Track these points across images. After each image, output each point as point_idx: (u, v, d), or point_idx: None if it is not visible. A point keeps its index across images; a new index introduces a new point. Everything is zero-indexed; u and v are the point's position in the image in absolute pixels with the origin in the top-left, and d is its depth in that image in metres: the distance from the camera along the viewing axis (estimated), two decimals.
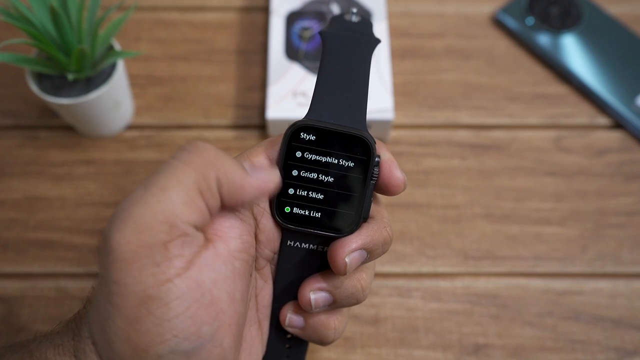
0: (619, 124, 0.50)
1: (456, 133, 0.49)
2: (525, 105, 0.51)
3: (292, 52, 0.49)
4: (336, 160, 0.27)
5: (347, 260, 0.26)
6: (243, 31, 0.54)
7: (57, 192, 0.46)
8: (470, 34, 0.54)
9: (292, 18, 0.50)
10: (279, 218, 0.27)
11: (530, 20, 0.54)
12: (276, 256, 0.29)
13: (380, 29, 0.50)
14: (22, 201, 0.45)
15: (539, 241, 0.44)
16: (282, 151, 0.27)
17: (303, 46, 0.49)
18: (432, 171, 0.47)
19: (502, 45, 0.54)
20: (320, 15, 0.51)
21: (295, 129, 0.27)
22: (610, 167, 0.48)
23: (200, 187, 0.24)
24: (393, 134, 0.49)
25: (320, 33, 0.30)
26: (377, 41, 0.30)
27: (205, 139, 0.48)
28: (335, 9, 0.51)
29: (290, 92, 0.46)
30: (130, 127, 0.49)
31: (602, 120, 0.50)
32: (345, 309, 0.30)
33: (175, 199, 0.23)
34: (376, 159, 0.27)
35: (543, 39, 0.53)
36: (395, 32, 0.54)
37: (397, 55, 0.53)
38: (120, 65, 0.44)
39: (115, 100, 0.45)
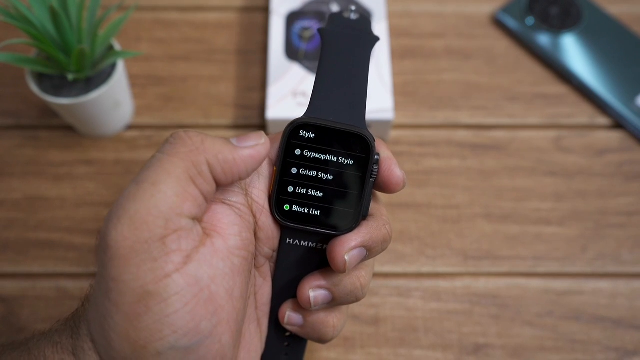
0: (619, 124, 0.50)
1: (456, 133, 0.49)
2: (525, 105, 0.51)
3: (292, 52, 0.49)
4: (335, 158, 0.27)
5: (346, 258, 0.26)
6: (243, 31, 0.54)
7: (57, 192, 0.46)
8: (470, 34, 0.54)
9: (292, 18, 0.50)
10: (278, 216, 0.27)
11: (530, 20, 0.54)
12: (275, 254, 0.29)
13: (380, 29, 0.50)
14: (22, 201, 0.45)
15: (539, 241, 0.44)
16: (281, 149, 0.27)
17: (303, 46, 0.49)
18: (432, 171, 0.47)
19: (502, 45, 0.54)
20: (320, 15, 0.51)
21: (294, 127, 0.27)
22: (610, 167, 0.48)
23: (192, 174, 0.24)
24: (393, 134, 0.49)
25: (319, 30, 0.30)
26: (376, 39, 0.30)
27: None
28: (335, 9, 0.51)
29: (290, 92, 0.46)
30: (130, 127, 0.49)
31: (602, 120, 0.50)
32: (344, 307, 0.30)
33: (167, 192, 0.23)
34: (375, 157, 0.27)
35: (543, 39, 0.53)
36: (395, 32, 0.54)
37: (397, 55, 0.53)
38: (120, 65, 0.44)
39: (115, 100, 0.45)
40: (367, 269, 0.29)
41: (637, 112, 0.49)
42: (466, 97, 0.51)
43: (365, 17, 0.31)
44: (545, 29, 0.53)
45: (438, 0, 0.56)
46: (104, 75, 0.44)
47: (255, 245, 0.28)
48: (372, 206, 0.29)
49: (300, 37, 0.50)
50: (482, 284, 0.43)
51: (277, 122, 0.46)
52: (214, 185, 0.25)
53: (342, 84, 0.28)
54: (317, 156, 0.27)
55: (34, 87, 0.43)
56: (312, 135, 0.27)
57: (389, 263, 0.43)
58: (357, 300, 0.28)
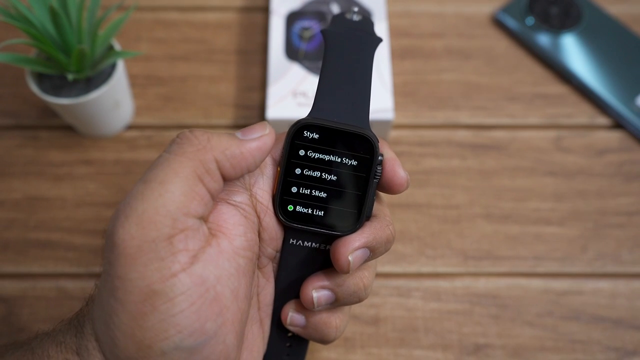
0: (619, 124, 0.50)
1: (456, 133, 0.49)
2: (525, 105, 0.51)
3: (292, 52, 0.49)
4: (339, 159, 0.27)
5: (350, 258, 0.26)
6: (243, 31, 0.54)
7: (57, 192, 0.46)
8: (470, 34, 0.54)
9: (292, 18, 0.50)
10: (282, 216, 0.27)
11: (530, 20, 0.54)
12: (278, 255, 0.29)
13: (380, 29, 0.50)
14: (22, 201, 0.45)
15: (539, 241, 0.44)
16: (285, 149, 0.27)
17: (303, 46, 0.49)
18: (432, 171, 0.47)
19: (502, 45, 0.54)
20: (320, 15, 0.51)
21: (298, 128, 0.27)
22: (610, 167, 0.48)
23: (199, 173, 0.24)
24: (393, 134, 0.49)
25: (322, 32, 0.30)
26: (379, 40, 0.30)
27: None
28: (335, 9, 0.51)
29: (290, 92, 0.46)
30: (130, 127, 0.49)
31: (602, 120, 0.50)
32: (346, 308, 0.30)
33: (175, 191, 0.23)
34: (379, 158, 0.27)
35: (543, 39, 0.53)
36: (395, 32, 0.54)
37: (397, 55, 0.53)
38: (120, 65, 0.44)
39: (115, 100, 0.45)
40: (370, 269, 0.29)
41: (637, 112, 0.49)
42: (466, 97, 0.51)
43: (367, 18, 0.31)
44: (545, 29, 0.53)
45: (438, 0, 0.56)
46: (104, 75, 0.44)
47: (259, 246, 0.28)
48: (376, 207, 0.29)
49: (300, 37, 0.50)
50: (482, 284, 0.43)
51: (277, 122, 0.46)
52: (221, 183, 0.25)
53: (345, 85, 0.28)
54: (320, 157, 0.27)
55: (34, 87, 0.43)
56: (316, 136, 0.27)
57: (389, 263, 0.44)
58: (360, 300, 0.28)
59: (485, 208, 0.46)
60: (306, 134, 0.27)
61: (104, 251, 0.24)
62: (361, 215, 0.27)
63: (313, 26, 0.50)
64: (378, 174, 0.27)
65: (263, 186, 0.27)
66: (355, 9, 0.31)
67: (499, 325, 0.41)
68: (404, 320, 0.41)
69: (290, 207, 0.27)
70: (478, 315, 0.42)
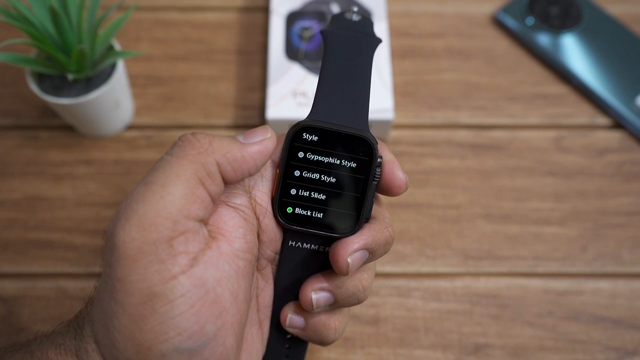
0: (619, 124, 0.50)
1: (456, 133, 0.49)
2: (525, 105, 0.51)
3: (292, 52, 0.49)
4: (338, 161, 0.27)
5: (349, 260, 0.26)
6: (243, 31, 0.54)
7: (57, 192, 0.46)
8: (470, 34, 0.54)
9: (292, 18, 0.50)
10: (281, 218, 0.27)
11: (530, 20, 0.54)
12: (277, 256, 0.29)
13: (380, 29, 0.50)
14: (22, 201, 0.45)
15: (539, 241, 0.44)
16: (284, 151, 0.27)
17: (303, 46, 0.49)
18: (432, 171, 0.47)
19: (502, 45, 0.54)
20: (320, 15, 0.51)
21: (297, 130, 0.27)
22: (610, 167, 0.48)
23: (201, 176, 0.24)
24: (393, 134, 0.49)
25: (322, 32, 0.30)
26: (379, 41, 0.30)
27: None
28: (335, 9, 0.51)
29: (290, 92, 0.46)
30: (130, 127, 0.49)
31: (602, 120, 0.50)
32: (345, 309, 0.30)
33: (176, 194, 0.23)
34: (378, 160, 0.27)
35: (543, 39, 0.53)
36: (395, 32, 0.54)
37: (397, 55, 0.53)
38: (120, 65, 0.44)
39: (115, 100, 0.45)
40: (369, 271, 0.29)
41: (637, 112, 0.49)
42: (466, 97, 0.51)
43: (367, 19, 0.31)
44: (545, 29, 0.53)
45: (438, 0, 0.56)
46: (104, 75, 0.44)
47: (258, 248, 0.28)
48: (375, 209, 0.29)
49: (300, 37, 0.50)
50: (482, 283, 0.43)
51: (277, 122, 0.46)
52: (222, 186, 0.25)
53: (344, 87, 0.28)
54: (320, 159, 0.27)
55: (34, 87, 0.43)
56: (315, 138, 0.27)
57: (389, 263, 0.44)
58: (359, 302, 0.28)
59: (485, 208, 0.46)
60: (305, 136, 0.27)
61: (104, 253, 0.24)
62: (360, 217, 0.27)
63: (313, 26, 0.50)
64: (377, 176, 0.27)
65: (262, 188, 0.27)
66: (355, 9, 0.31)
67: (499, 325, 0.41)
68: (404, 320, 0.41)
69: (289, 209, 0.27)
70: (478, 315, 0.42)
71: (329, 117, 0.27)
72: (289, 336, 0.30)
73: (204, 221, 0.25)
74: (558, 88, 0.52)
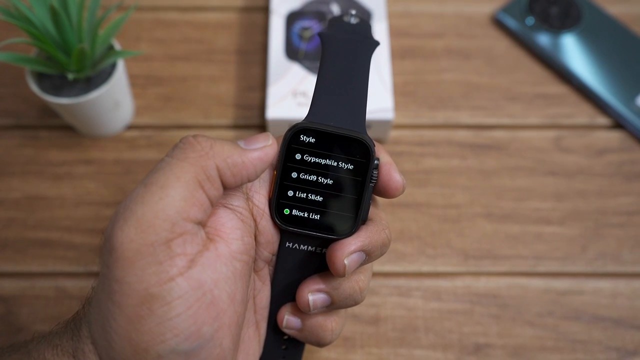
0: (619, 124, 0.50)
1: (456, 133, 0.49)
2: (525, 105, 0.51)
3: (292, 52, 0.49)
4: (335, 163, 0.27)
5: (346, 262, 0.26)
6: (243, 31, 0.54)
7: (56, 192, 0.46)
8: (470, 34, 0.54)
9: (292, 18, 0.50)
10: (278, 220, 0.27)
11: (530, 20, 0.54)
12: (274, 258, 0.29)
13: (380, 29, 0.50)
14: (22, 200, 0.45)
15: (539, 241, 0.44)
16: (281, 153, 0.27)
17: (303, 46, 0.49)
18: (432, 171, 0.47)
19: (502, 45, 0.54)
20: (320, 15, 0.51)
21: (294, 131, 0.27)
22: (610, 167, 0.48)
23: (200, 179, 0.24)
24: (393, 134, 0.49)
25: (320, 35, 0.30)
26: (376, 43, 0.30)
27: None
28: (335, 9, 0.51)
29: (290, 92, 0.46)
30: (130, 127, 0.49)
31: (602, 120, 0.50)
32: (342, 311, 0.30)
33: (175, 196, 0.23)
34: (375, 162, 0.27)
35: (543, 39, 0.53)
36: (395, 32, 0.54)
37: (397, 55, 0.53)
38: (120, 65, 0.44)
39: (115, 100, 0.45)
40: (366, 272, 0.29)
41: (637, 112, 0.49)
42: (466, 97, 0.51)
43: (365, 21, 0.31)
44: (545, 29, 0.53)
45: (438, 0, 0.56)
46: (104, 75, 0.44)
47: (255, 249, 0.28)
48: (372, 211, 0.29)
49: (300, 37, 0.50)
50: (482, 283, 0.43)
51: (277, 122, 0.46)
52: (221, 190, 0.25)
53: (342, 89, 0.28)
54: (317, 161, 0.27)
55: (34, 87, 0.43)
56: (312, 140, 0.27)
57: (389, 262, 0.43)
58: (355, 303, 0.28)
59: (485, 208, 0.46)
60: (302, 138, 0.27)
61: (101, 254, 0.24)
62: (357, 219, 0.27)
63: (313, 26, 0.50)
64: (374, 178, 0.27)
65: (259, 190, 0.27)
66: (353, 12, 0.31)
67: (499, 324, 0.41)
68: (404, 319, 0.41)
69: (286, 211, 0.27)
70: (478, 315, 0.42)
71: (326, 119, 0.27)
72: (285, 337, 0.30)
73: (202, 223, 0.25)
74: (558, 88, 0.52)
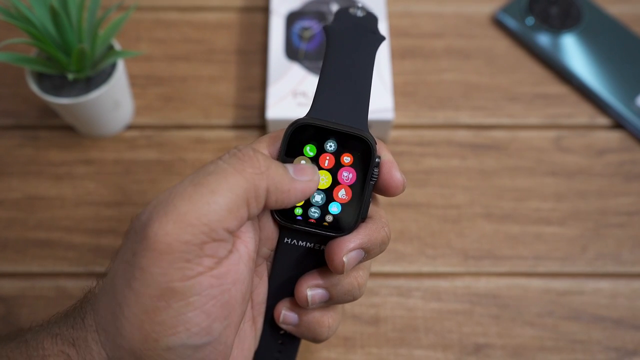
0: (619, 124, 0.50)
1: (456, 133, 0.49)
2: (525, 105, 0.50)
3: (292, 52, 0.49)
4: (336, 160, 0.27)
5: (345, 259, 0.26)
6: (243, 31, 0.54)
7: (56, 192, 0.46)
8: (470, 34, 0.54)
9: (292, 18, 0.50)
10: (278, 216, 0.27)
11: (530, 20, 0.54)
12: (272, 254, 0.29)
13: (380, 29, 0.50)
14: (22, 201, 0.45)
15: (539, 241, 0.44)
16: (282, 149, 0.27)
17: (303, 46, 0.49)
18: (432, 171, 0.47)
19: (502, 45, 0.54)
20: (320, 15, 0.51)
21: (296, 127, 0.27)
22: (610, 167, 0.48)
23: (249, 197, 0.24)
24: (393, 134, 0.49)
25: (325, 28, 0.29)
26: (382, 38, 0.30)
27: (205, 139, 0.48)
28: (335, 9, 0.51)
29: (290, 92, 0.46)
30: (130, 127, 0.49)
31: (602, 120, 0.50)
32: (339, 307, 0.30)
33: (222, 204, 0.23)
34: (376, 160, 0.27)
35: (543, 39, 0.53)
36: (395, 32, 0.54)
37: (397, 55, 0.53)
38: (120, 65, 0.44)
39: (115, 100, 0.45)
40: (365, 269, 0.29)
41: (637, 112, 0.49)
42: (466, 97, 0.51)
43: (372, 15, 0.30)
44: (545, 29, 0.53)
45: (438, 0, 0.56)
46: (104, 75, 0.44)
47: None
48: (371, 208, 0.29)
49: (300, 37, 0.50)
50: (482, 283, 0.43)
51: (277, 122, 0.46)
52: (261, 210, 0.25)
53: (345, 85, 0.28)
54: (317, 157, 0.27)
55: (34, 87, 0.43)
56: (313, 136, 0.27)
57: (389, 263, 0.43)
58: (354, 299, 0.29)
59: (485, 208, 0.46)
60: (303, 133, 0.27)
61: (128, 239, 0.24)
62: (357, 217, 0.27)
63: (313, 26, 0.50)
64: (375, 176, 0.27)
65: None
66: (359, 4, 0.30)
67: (499, 325, 0.41)
68: (404, 320, 0.41)
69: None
70: (478, 315, 0.42)
71: (328, 115, 0.27)
72: (282, 332, 0.30)
73: (234, 233, 0.25)
74: (558, 88, 0.51)
